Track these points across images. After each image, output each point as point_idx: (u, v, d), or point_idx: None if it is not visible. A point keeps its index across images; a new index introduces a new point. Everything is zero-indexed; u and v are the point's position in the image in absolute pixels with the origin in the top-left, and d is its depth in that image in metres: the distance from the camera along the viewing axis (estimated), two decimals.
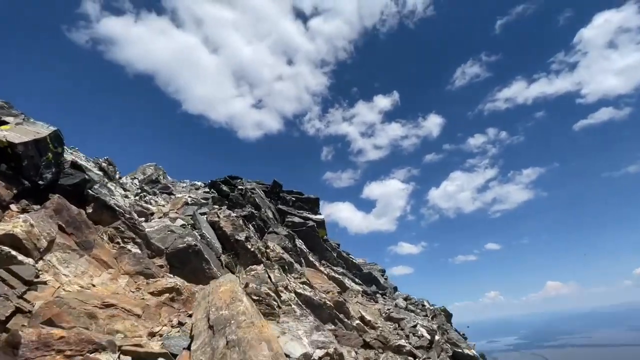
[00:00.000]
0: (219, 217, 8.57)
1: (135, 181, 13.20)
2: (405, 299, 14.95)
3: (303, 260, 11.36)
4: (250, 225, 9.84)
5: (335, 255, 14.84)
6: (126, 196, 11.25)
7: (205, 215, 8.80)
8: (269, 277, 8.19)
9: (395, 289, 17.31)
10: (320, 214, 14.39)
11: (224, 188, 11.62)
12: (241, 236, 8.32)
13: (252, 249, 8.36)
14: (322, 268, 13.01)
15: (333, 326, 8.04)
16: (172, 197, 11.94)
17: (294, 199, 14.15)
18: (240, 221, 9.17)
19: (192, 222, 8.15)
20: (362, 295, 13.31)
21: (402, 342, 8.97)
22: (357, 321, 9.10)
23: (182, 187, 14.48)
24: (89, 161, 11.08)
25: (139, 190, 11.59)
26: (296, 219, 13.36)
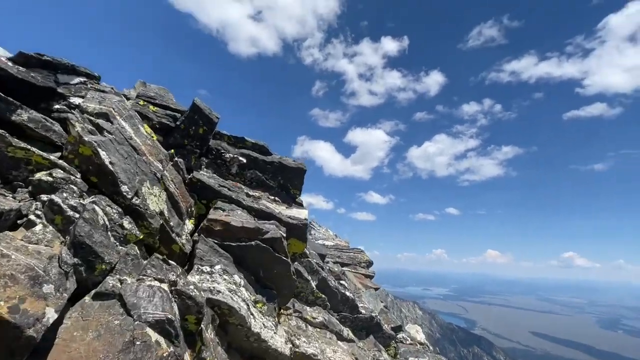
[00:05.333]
0: None
1: None
2: None
3: None
4: None
5: (315, 284, 7.21)
6: None
7: None
8: None
9: (399, 328, 10.51)
10: (301, 205, 6.22)
11: None
12: None
13: None
14: (277, 336, 5.39)
15: None
16: None
17: (242, 159, 5.70)
18: None
19: None
20: None
21: None
22: None
23: None
24: None
25: None
26: (236, 221, 5.14)
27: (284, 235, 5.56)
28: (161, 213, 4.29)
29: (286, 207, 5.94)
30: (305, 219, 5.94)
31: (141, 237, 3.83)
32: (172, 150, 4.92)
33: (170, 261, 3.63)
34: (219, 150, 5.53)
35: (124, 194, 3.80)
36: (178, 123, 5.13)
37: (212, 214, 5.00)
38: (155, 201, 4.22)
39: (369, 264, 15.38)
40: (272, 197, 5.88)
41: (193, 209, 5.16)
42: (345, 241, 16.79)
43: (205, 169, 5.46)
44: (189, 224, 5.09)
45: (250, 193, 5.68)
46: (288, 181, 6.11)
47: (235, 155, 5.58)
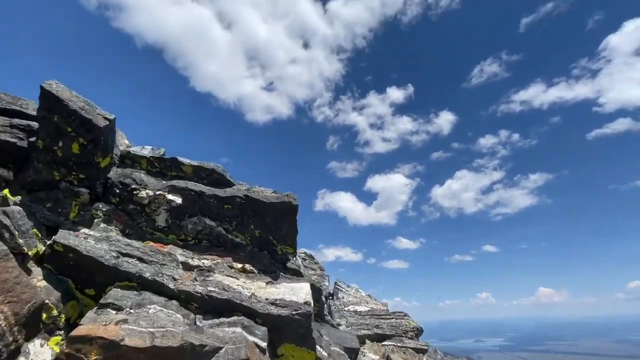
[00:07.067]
0: None
1: None
2: None
3: None
4: None
5: None
6: None
7: None
8: None
9: None
10: (297, 272, 3.34)
11: None
12: None
13: None
14: None
15: None
16: None
17: (174, 197, 3.06)
18: None
19: None
20: None
21: None
22: None
23: None
24: None
25: None
26: (139, 334, 2.35)
27: (263, 345, 2.60)
28: None
29: (267, 283, 3.04)
30: (306, 302, 2.99)
31: None
32: (6, 191, 2.33)
33: None
34: (127, 185, 2.93)
35: None
36: (33, 139, 2.65)
37: (87, 324, 2.20)
38: None
39: (418, 331, 11.42)
40: (240, 266, 3.04)
41: (58, 312, 2.39)
42: (383, 304, 13.03)
43: (103, 224, 2.80)
44: (46, 350, 2.30)
45: (192, 262, 2.89)
46: (269, 231, 3.29)
47: (161, 193, 2.93)
